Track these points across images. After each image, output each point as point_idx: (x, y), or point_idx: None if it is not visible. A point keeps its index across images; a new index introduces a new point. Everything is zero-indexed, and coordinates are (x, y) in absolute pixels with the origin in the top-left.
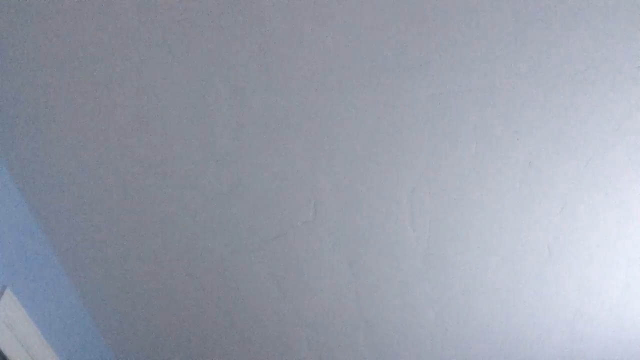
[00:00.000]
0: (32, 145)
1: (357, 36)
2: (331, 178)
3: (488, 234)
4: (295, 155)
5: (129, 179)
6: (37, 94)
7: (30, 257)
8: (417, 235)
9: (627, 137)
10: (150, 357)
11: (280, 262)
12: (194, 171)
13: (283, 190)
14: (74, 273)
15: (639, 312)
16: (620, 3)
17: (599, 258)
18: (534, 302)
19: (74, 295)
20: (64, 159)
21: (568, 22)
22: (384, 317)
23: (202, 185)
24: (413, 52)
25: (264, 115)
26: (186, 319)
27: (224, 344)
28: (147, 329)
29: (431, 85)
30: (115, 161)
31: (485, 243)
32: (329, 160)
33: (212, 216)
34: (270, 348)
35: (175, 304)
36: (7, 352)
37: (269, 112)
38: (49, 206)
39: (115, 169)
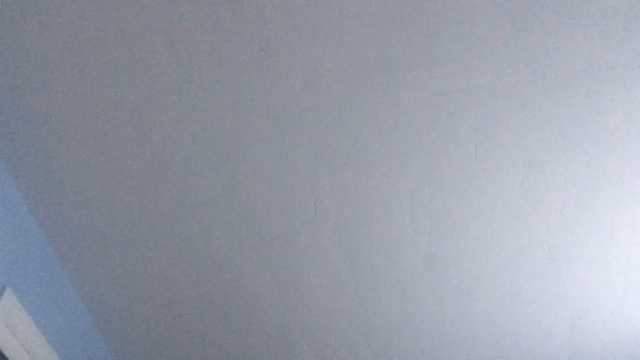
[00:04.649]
0: (32, 145)
1: (357, 36)
2: (331, 178)
3: (488, 234)
4: (295, 155)
5: (129, 179)
6: (37, 94)
7: (30, 257)
8: (417, 235)
9: (627, 137)
10: (150, 357)
11: (280, 262)
12: (194, 171)
13: (283, 190)
14: (74, 273)
15: (639, 312)
16: (620, 3)
17: (599, 258)
18: (534, 302)
19: (74, 295)
20: (64, 159)
21: (568, 22)
22: (384, 317)
23: (202, 186)
24: (413, 52)
25: (264, 115)
26: (186, 319)
27: (224, 343)
28: (147, 329)
29: (431, 85)
30: (115, 161)
31: (485, 243)
32: (329, 160)
33: (212, 216)
34: (270, 348)
35: (175, 304)
36: (7, 352)
37: (269, 112)
38: (49, 206)
39: (115, 169)
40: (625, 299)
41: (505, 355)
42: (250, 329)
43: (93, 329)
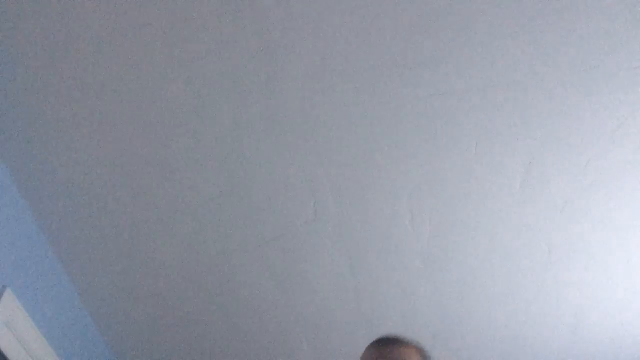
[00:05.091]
0: (32, 145)
1: (357, 36)
2: (331, 178)
3: (488, 234)
4: (295, 155)
5: (128, 179)
6: (37, 94)
7: (30, 257)
8: (417, 235)
9: (627, 137)
10: (150, 357)
11: (280, 262)
12: (194, 171)
13: (283, 190)
14: (74, 273)
15: (639, 312)
16: (620, 3)
17: (599, 258)
18: (534, 303)
19: (74, 295)
20: (64, 160)
21: (568, 22)
22: (383, 317)
23: (202, 186)
24: (413, 52)
25: (264, 115)
26: (186, 319)
27: (224, 343)
28: (147, 329)
29: (431, 85)
30: (115, 161)
31: (485, 243)
32: (329, 161)
33: (212, 216)
34: (270, 348)
35: (175, 304)
36: (7, 352)
37: (269, 112)
38: (49, 206)
39: (115, 169)
40: (625, 299)
41: (505, 355)
42: (250, 329)
43: (93, 329)
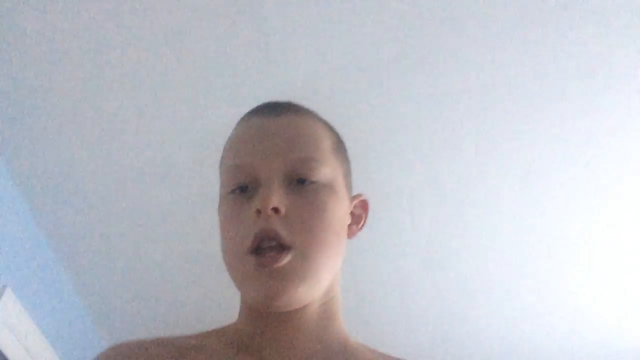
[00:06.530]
0: (32, 145)
1: (357, 36)
2: None
3: (488, 234)
4: None
5: (129, 179)
6: (37, 94)
7: (30, 257)
8: (417, 235)
9: (627, 138)
10: None
11: None
12: (194, 171)
13: None
14: (74, 273)
15: (639, 312)
16: (620, 3)
17: (598, 258)
18: (534, 303)
19: (74, 295)
20: (64, 159)
21: (568, 22)
22: (383, 317)
23: (202, 186)
24: (413, 52)
25: None
26: (186, 319)
27: None
28: (148, 329)
29: (431, 85)
30: (115, 161)
31: (485, 243)
32: None
33: (212, 216)
34: None
35: (176, 304)
36: (7, 352)
37: None
38: (49, 206)
39: (115, 169)
40: (625, 299)
41: (505, 355)
42: None
43: (93, 329)
